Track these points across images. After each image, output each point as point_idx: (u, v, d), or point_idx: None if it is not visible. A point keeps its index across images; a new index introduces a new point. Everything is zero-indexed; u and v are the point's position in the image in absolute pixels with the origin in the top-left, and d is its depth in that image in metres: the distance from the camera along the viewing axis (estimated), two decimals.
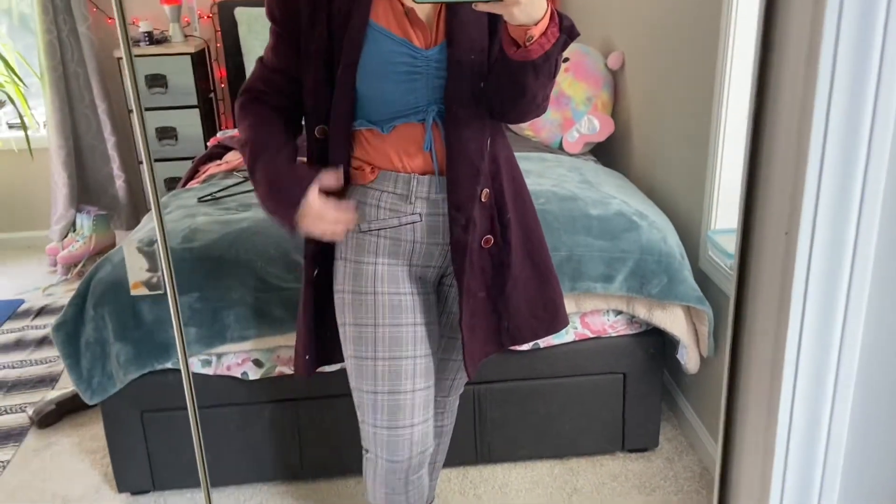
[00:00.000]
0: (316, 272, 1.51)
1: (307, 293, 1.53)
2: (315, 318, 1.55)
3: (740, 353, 0.64)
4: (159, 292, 1.31)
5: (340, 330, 1.49)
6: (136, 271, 1.30)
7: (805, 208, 0.54)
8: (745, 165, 0.60)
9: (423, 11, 1.34)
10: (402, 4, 1.33)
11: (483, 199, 1.41)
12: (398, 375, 1.45)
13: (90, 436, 2.47)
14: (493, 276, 1.48)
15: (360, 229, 1.44)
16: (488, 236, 1.45)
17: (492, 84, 1.33)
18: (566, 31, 1.21)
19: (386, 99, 1.36)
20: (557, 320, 1.58)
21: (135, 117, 3.63)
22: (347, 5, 1.32)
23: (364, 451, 1.54)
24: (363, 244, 1.46)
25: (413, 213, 1.42)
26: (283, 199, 1.35)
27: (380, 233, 1.44)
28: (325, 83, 1.36)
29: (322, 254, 1.50)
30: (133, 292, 1.35)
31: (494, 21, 1.34)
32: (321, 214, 1.34)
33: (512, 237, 1.47)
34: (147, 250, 1.28)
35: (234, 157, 2.87)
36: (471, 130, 1.37)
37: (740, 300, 0.63)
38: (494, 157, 1.43)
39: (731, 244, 1.94)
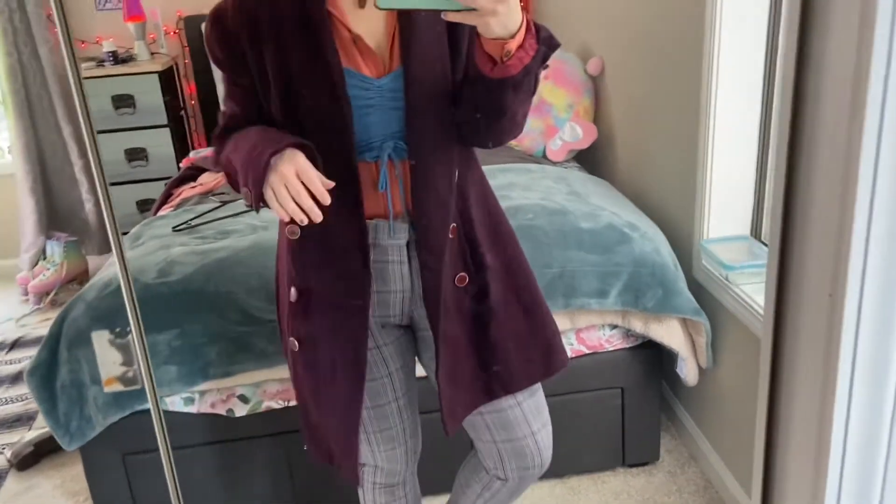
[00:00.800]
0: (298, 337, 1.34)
1: (303, 371, 1.37)
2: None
3: (777, 425, 0.59)
4: (136, 387, 1.22)
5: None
6: (110, 365, 1.19)
7: (852, 269, 0.49)
8: (778, 218, 0.54)
9: (373, 38, 1.21)
10: (350, 32, 1.20)
11: (451, 235, 1.29)
12: (385, 418, 1.43)
13: (71, 476, 2.38)
14: (473, 317, 1.34)
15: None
16: (462, 274, 1.32)
17: (464, 107, 1.20)
18: (545, 42, 1.09)
19: None
20: (554, 360, 1.42)
21: (93, 141, 3.53)
22: (297, 38, 1.17)
23: (360, 467, 1.50)
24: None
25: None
26: (270, 144, 1.13)
27: None
28: (280, 116, 1.22)
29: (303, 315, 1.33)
30: (106, 389, 1.24)
31: (456, 39, 1.22)
32: (305, 170, 1.10)
33: (489, 273, 1.34)
34: (120, 342, 1.19)
35: (208, 179, 2.78)
36: (438, 163, 1.24)
37: (776, 366, 0.58)
38: (462, 188, 1.29)
39: (725, 253, 1.90)
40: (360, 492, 1.55)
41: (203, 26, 3.87)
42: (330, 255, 1.28)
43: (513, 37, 1.04)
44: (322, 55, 1.17)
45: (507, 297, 1.36)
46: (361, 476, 1.52)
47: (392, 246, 1.29)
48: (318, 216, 1.12)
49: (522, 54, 1.07)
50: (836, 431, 0.58)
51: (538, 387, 1.44)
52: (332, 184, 1.13)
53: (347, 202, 1.23)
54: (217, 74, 3.68)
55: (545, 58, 1.10)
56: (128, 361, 1.18)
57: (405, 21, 1.19)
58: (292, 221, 1.22)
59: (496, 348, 1.36)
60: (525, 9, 1.07)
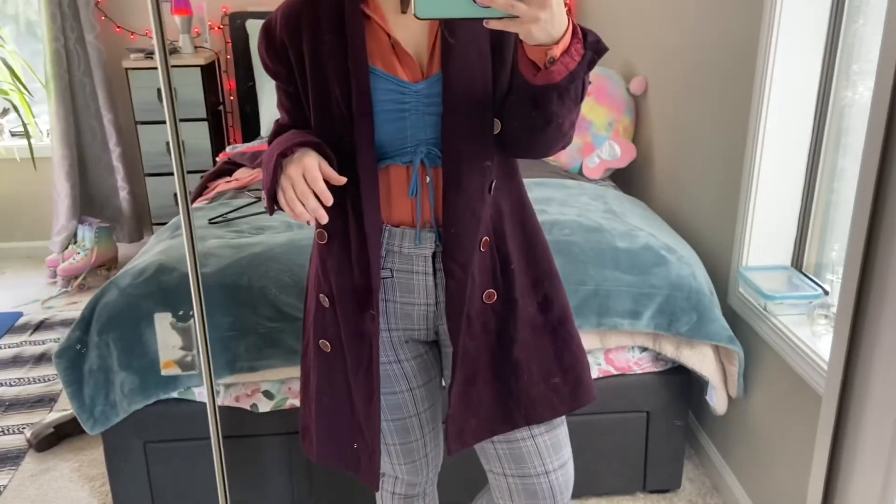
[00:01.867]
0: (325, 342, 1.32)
1: (328, 368, 1.34)
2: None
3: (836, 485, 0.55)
4: (193, 372, 1.21)
5: None
6: (169, 349, 1.19)
7: None
8: (857, 263, 0.52)
9: (412, 43, 1.20)
10: (389, 36, 1.19)
11: (482, 249, 1.24)
12: (405, 431, 1.40)
13: (89, 461, 2.38)
14: (497, 337, 1.28)
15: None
16: (490, 290, 1.26)
17: (509, 115, 1.17)
18: (591, 46, 1.04)
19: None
20: (581, 393, 1.33)
21: (140, 129, 3.57)
22: (335, 45, 1.17)
23: (380, 475, 1.48)
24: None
25: (383, 269, 1.28)
26: (281, 146, 1.13)
27: None
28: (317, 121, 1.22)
29: (332, 317, 1.31)
30: (164, 372, 1.24)
31: (499, 46, 1.19)
32: (310, 171, 1.10)
33: (518, 292, 1.28)
34: (181, 326, 1.18)
35: (243, 174, 2.80)
36: (471, 173, 1.20)
37: (839, 426, 0.54)
38: (496, 200, 1.25)
39: (764, 282, 1.87)
40: (378, 499, 1.54)
41: (247, 24, 3.87)
42: (349, 260, 1.26)
43: (557, 42, 1.01)
44: (352, 59, 1.17)
45: (536, 319, 1.31)
46: (381, 484, 1.50)
47: (417, 255, 1.27)
48: (322, 217, 1.12)
49: (568, 60, 1.03)
50: None
51: (560, 421, 1.36)
52: (343, 179, 1.13)
53: (369, 208, 1.22)
54: (259, 71, 3.71)
55: (592, 63, 1.06)
56: (187, 346, 1.17)
57: (447, 27, 1.18)
58: (322, 225, 1.24)
59: (518, 372, 1.29)
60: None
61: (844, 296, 0.57)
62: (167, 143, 3.58)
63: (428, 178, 1.22)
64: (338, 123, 1.20)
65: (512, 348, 1.29)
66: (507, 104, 1.18)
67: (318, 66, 1.19)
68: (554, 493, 1.35)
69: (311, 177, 1.10)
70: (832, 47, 1.78)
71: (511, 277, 1.28)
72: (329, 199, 1.12)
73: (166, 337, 1.16)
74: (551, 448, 1.35)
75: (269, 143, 1.31)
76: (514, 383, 1.30)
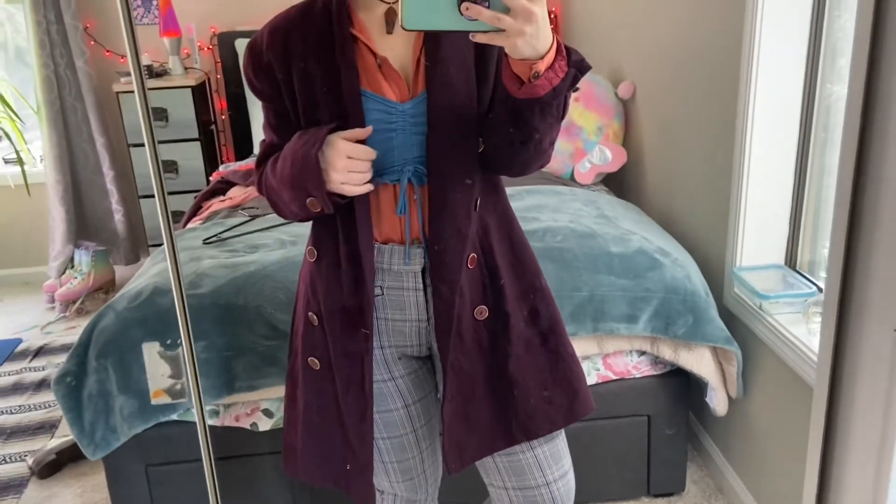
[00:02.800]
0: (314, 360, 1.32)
1: (316, 388, 1.33)
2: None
3: (830, 474, 0.56)
4: (182, 400, 1.22)
5: None
6: (158, 378, 1.19)
7: None
8: (840, 255, 0.52)
9: (398, 62, 1.20)
10: (375, 56, 1.19)
11: (470, 265, 1.25)
12: (402, 449, 1.39)
13: (92, 486, 2.38)
14: (491, 353, 1.28)
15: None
16: (481, 306, 1.27)
17: (490, 130, 1.18)
18: (575, 64, 1.05)
19: None
20: (578, 404, 1.33)
21: (132, 152, 3.57)
22: (325, 67, 1.18)
23: (378, 493, 1.48)
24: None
25: (374, 286, 1.28)
26: (307, 154, 1.15)
27: None
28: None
29: (320, 334, 1.31)
30: (154, 401, 1.24)
31: (484, 66, 1.20)
32: (348, 151, 1.14)
33: (510, 306, 1.28)
34: (170, 355, 1.19)
35: (237, 193, 2.80)
36: (457, 190, 1.20)
37: (830, 414, 0.54)
38: (482, 217, 1.26)
39: (758, 282, 1.87)
40: None
41: (236, 43, 3.88)
42: (339, 279, 1.26)
43: (542, 58, 1.02)
44: (341, 80, 1.17)
45: (529, 333, 1.31)
46: (379, 502, 1.49)
47: (407, 272, 1.27)
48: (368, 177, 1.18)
49: (552, 75, 1.04)
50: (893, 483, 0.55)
51: (558, 432, 1.36)
52: (368, 130, 1.17)
53: (363, 228, 1.23)
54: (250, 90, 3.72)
55: (574, 80, 1.07)
56: (176, 374, 1.17)
57: (431, 46, 1.18)
58: (313, 244, 1.28)
59: (515, 387, 1.29)
60: (555, 31, 1.04)
61: (829, 290, 0.58)
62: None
63: (416, 196, 1.23)
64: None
65: (506, 363, 1.29)
66: (488, 120, 1.18)
67: (307, 88, 1.20)
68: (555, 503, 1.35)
69: (357, 154, 1.15)
70: (816, 43, 1.79)
71: (501, 292, 1.28)
72: (373, 154, 1.17)
73: (155, 366, 1.16)
74: (551, 459, 1.35)
75: (257, 165, 1.32)
76: (510, 398, 1.30)
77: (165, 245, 1.10)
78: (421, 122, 1.19)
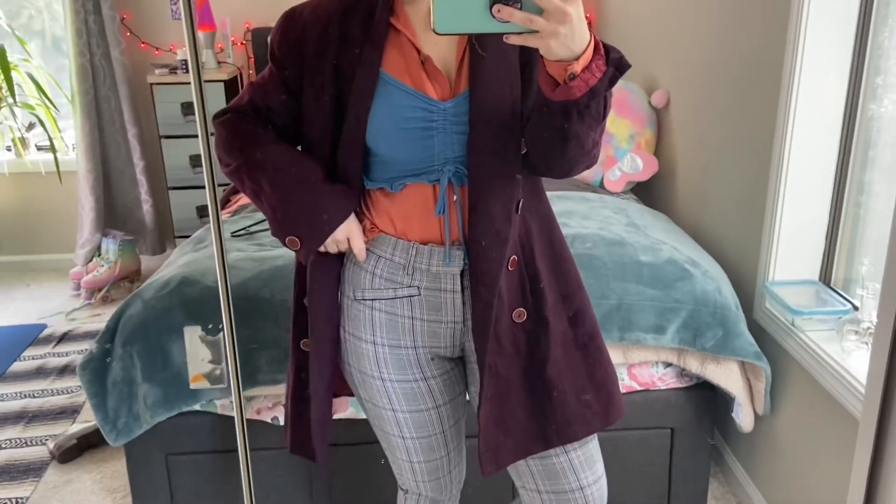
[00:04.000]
0: (307, 341, 1.35)
1: (305, 366, 1.37)
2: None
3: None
4: (221, 385, 1.22)
5: (357, 398, 1.41)
6: (198, 362, 1.19)
7: None
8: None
9: (441, 60, 1.19)
10: (419, 52, 1.18)
11: (510, 268, 1.24)
12: (430, 449, 1.39)
13: (111, 473, 2.39)
14: (528, 356, 1.27)
15: (355, 297, 1.30)
16: (520, 309, 1.25)
17: (531, 133, 1.14)
18: (613, 63, 1.01)
19: (397, 157, 1.20)
20: (612, 409, 1.32)
21: (164, 143, 3.61)
22: (357, 55, 1.17)
23: (401, 492, 1.49)
24: (358, 316, 1.30)
25: (410, 286, 1.27)
26: (322, 213, 1.21)
27: (374, 304, 1.29)
28: (332, 138, 1.22)
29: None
30: (193, 385, 1.25)
31: (529, 64, 1.18)
32: (356, 238, 1.25)
33: (549, 310, 1.27)
34: (210, 340, 1.19)
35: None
36: (497, 191, 1.18)
37: (878, 451, 0.51)
38: (524, 219, 1.25)
39: (791, 297, 1.84)
40: None
41: (269, 39, 3.95)
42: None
43: (578, 58, 0.98)
44: (364, 59, 1.17)
45: (566, 337, 1.30)
46: (402, 501, 1.50)
47: (446, 274, 1.25)
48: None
49: (588, 76, 0.99)
50: None
51: (592, 437, 1.35)
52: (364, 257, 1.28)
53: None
54: None
55: (613, 80, 1.02)
56: (216, 359, 1.18)
57: (476, 45, 1.17)
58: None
59: (553, 391, 1.28)
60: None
61: (883, 315, 0.55)
62: (190, 157, 3.62)
63: (455, 197, 1.21)
64: (330, 126, 1.22)
65: (544, 367, 1.27)
66: (529, 121, 1.16)
67: (335, 77, 1.19)
68: None
69: (356, 244, 1.25)
70: (860, 59, 1.76)
71: (541, 295, 1.26)
72: (363, 256, 1.27)
73: (196, 350, 1.16)
74: (585, 463, 1.34)
75: (237, 118, 1.29)
76: (546, 402, 1.28)
77: (213, 233, 1.10)
78: (462, 122, 1.18)
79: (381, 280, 1.27)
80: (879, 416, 0.60)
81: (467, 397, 1.44)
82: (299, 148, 1.30)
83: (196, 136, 3.59)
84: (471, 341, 1.30)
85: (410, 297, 1.28)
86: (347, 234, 1.24)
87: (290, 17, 1.23)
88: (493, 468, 1.28)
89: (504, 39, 0.97)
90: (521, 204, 1.23)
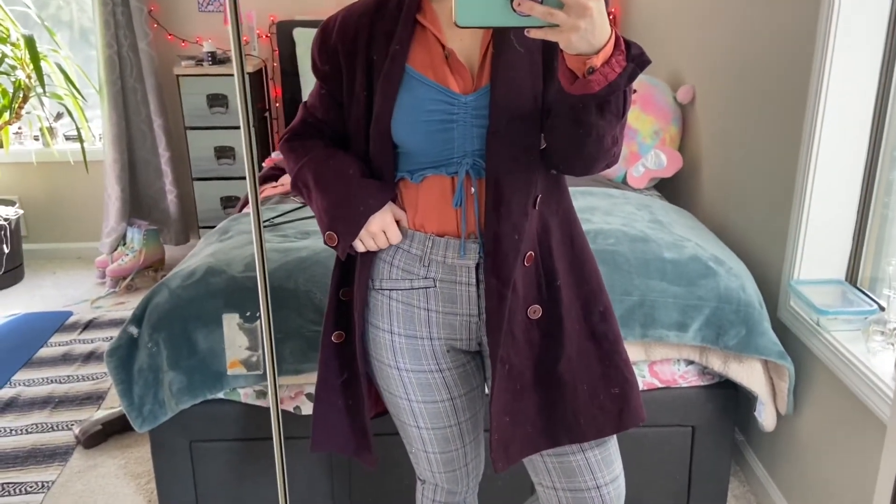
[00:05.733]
0: (340, 333, 1.38)
1: (332, 359, 1.39)
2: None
3: None
4: (257, 372, 1.24)
5: (377, 388, 1.43)
6: (235, 349, 1.22)
7: None
8: None
9: (465, 53, 1.20)
10: (443, 47, 1.20)
11: (526, 263, 1.24)
12: (446, 440, 1.40)
13: (135, 458, 2.43)
14: (542, 352, 1.27)
15: (373, 286, 1.32)
16: (535, 306, 1.26)
17: (551, 128, 1.15)
18: (634, 59, 1.01)
19: (418, 148, 1.22)
20: (628, 413, 1.29)
21: (189, 134, 3.64)
22: (385, 51, 1.20)
23: (419, 482, 1.50)
24: (377, 305, 1.33)
25: (426, 278, 1.28)
26: (362, 200, 1.23)
27: (391, 294, 1.31)
28: (365, 132, 1.25)
29: (347, 312, 1.37)
30: (230, 371, 1.28)
31: (551, 59, 1.18)
32: (391, 229, 1.26)
33: (565, 308, 1.27)
34: (248, 327, 1.21)
35: (288, 180, 2.83)
36: (515, 186, 1.19)
37: None
38: (542, 215, 1.25)
39: (816, 297, 1.83)
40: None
41: (294, 33, 3.96)
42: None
43: (598, 52, 0.98)
44: (390, 56, 1.20)
45: (582, 337, 1.29)
46: (419, 489, 1.51)
47: (461, 266, 1.26)
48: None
49: (608, 70, 0.99)
50: None
51: (609, 437, 1.34)
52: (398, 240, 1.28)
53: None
54: (305, 79, 3.75)
55: (633, 76, 1.02)
56: (253, 346, 1.20)
57: (499, 39, 1.18)
58: None
59: (564, 389, 1.28)
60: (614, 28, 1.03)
61: None
62: (215, 149, 3.65)
63: (473, 190, 1.22)
64: (362, 122, 1.25)
65: (557, 365, 1.27)
66: (548, 117, 1.17)
67: (368, 75, 1.22)
68: None
69: (392, 235, 1.26)
70: (891, 55, 1.74)
71: (557, 294, 1.26)
72: (397, 240, 1.28)
73: (233, 337, 1.18)
74: (602, 463, 1.33)
75: (296, 136, 1.34)
76: (558, 399, 1.28)
77: (252, 216, 1.11)
78: (483, 115, 1.19)
79: (398, 270, 1.29)
80: None
81: (486, 392, 1.44)
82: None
83: (221, 128, 3.64)
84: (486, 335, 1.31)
85: (426, 288, 1.29)
86: (382, 226, 1.25)
87: (325, 28, 1.28)
88: (504, 463, 1.28)
89: (525, 33, 0.98)
90: (538, 200, 1.23)
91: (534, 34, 0.97)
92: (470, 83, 1.20)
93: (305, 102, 1.36)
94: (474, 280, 1.27)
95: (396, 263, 1.29)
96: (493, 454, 1.27)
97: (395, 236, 1.26)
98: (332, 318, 1.38)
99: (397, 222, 1.28)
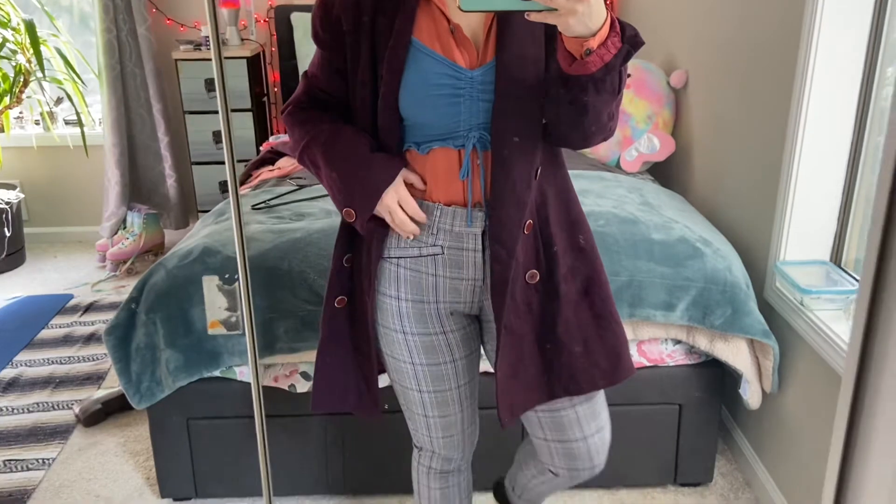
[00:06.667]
0: (342, 298, 1.43)
1: (335, 322, 1.44)
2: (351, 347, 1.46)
3: (851, 469, 0.56)
4: (237, 332, 1.28)
5: (381, 354, 1.47)
6: (215, 310, 1.27)
7: None
8: (876, 242, 0.52)
9: (470, 29, 1.24)
10: (449, 22, 1.24)
11: (526, 231, 1.30)
12: (445, 404, 1.46)
13: (134, 437, 2.47)
14: (540, 315, 1.35)
15: (381, 255, 1.37)
16: (533, 271, 1.33)
17: (550, 104, 1.21)
18: (629, 40, 1.08)
19: (425, 121, 1.27)
20: (620, 369, 1.39)
21: (188, 119, 3.66)
22: (390, 24, 1.24)
23: (416, 450, 1.55)
24: (385, 273, 1.38)
25: (434, 245, 1.34)
26: (375, 174, 1.27)
27: (399, 262, 1.36)
28: (371, 105, 1.28)
29: (350, 278, 1.42)
30: (210, 331, 1.33)
31: (552, 37, 1.23)
32: (406, 201, 1.28)
33: (560, 273, 1.34)
34: (227, 289, 1.25)
35: (286, 163, 2.86)
36: (518, 158, 1.25)
37: (855, 406, 0.55)
38: (541, 186, 1.31)
39: (801, 277, 1.86)
40: (413, 474, 1.58)
41: (292, 17, 3.96)
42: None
43: (594, 35, 1.05)
44: (396, 28, 1.23)
45: (578, 299, 1.36)
46: (415, 457, 1.56)
47: (468, 234, 1.32)
48: (416, 234, 1.30)
49: (604, 52, 1.07)
50: None
51: (598, 392, 1.43)
52: (424, 218, 1.30)
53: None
54: (302, 63, 3.77)
55: (627, 56, 1.09)
56: (232, 307, 1.24)
57: (503, 15, 1.22)
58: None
59: (561, 349, 1.35)
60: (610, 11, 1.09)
61: (864, 281, 0.58)
62: (213, 133, 3.68)
63: (479, 161, 1.27)
64: (368, 95, 1.28)
65: (555, 326, 1.35)
66: (548, 93, 1.22)
67: (371, 43, 1.25)
68: (591, 455, 1.44)
69: (408, 207, 1.29)
70: (876, 41, 1.76)
71: (554, 259, 1.33)
72: (424, 220, 1.30)
73: (213, 298, 1.23)
74: (590, 416, 1.42)
75: (298, 108, 1.37)
76: (556, 359, 1.36)
77: (231, 200, 1.14)
78: (488, 90, 1.24)
79: (406, 239, 1.34)
80: (857, 375, 0.63)
81: (482, 353, 1.52)
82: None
83: (218, 113, 3.65)
84: (488, 300, 1.37)
85: (434, 255, 1.34)
86: (397, 198, 1.28)
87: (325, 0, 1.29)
88: (509, 419, 1.35)
89: (525, 16, 1.04)
90: (539, 171, 1.29)
91: (534, 17, 1.04)
92: (475, 58, 1.24)
93: (307, 72, 1.39)
94: (480, 247, 1.33)
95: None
96: (500, 411, 1.35)
97: (413, 208, 1.29)
98: (335, 284, 1.43)
99: (413, 192, 1.32)
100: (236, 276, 1.10)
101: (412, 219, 1.30)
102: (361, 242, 1.38)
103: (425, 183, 1.31)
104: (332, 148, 1.30)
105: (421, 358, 1.40)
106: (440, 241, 1.33)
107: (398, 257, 1.36)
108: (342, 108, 1.36)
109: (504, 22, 1.22)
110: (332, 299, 1.43)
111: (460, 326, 1.43)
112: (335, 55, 1.30)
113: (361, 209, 1.29)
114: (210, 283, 1.23)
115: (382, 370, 1.51)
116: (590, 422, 1.42)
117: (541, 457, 1.49)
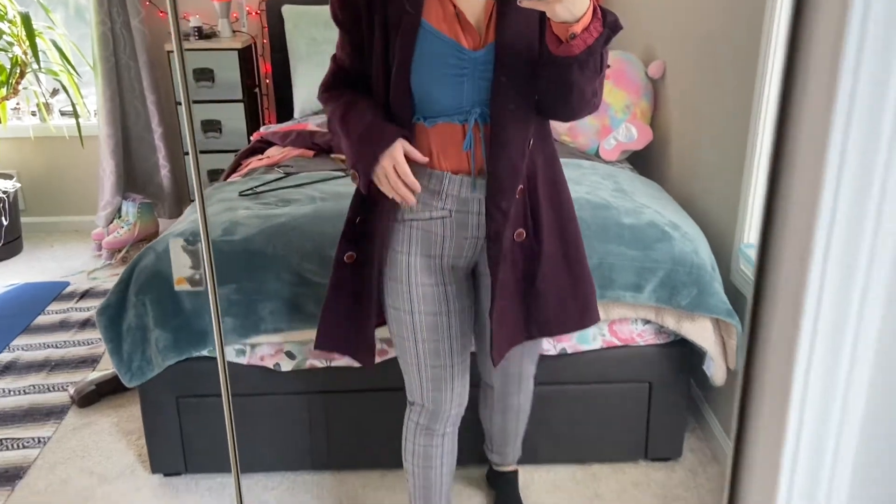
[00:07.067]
0: (351, 254, 1.57)
1: (342, 275, 1.59)
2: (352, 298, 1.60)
3: (755, 362, 0.64)
4: (200, 288, 1.38)
5: (384, 308, 1.62)
6: (180, 268, 1.37)
7: (820, 226, 0.54)
8: (767, 182, 0.58)
9: (473, 14, 1.38)
10: (454, 6, 1.38)
11: (517, 196, 1.46)
12: (437, 354, 1.59)
13: (127, 416, 2.56)
14: (524, 268, 1.53)
15: (397, 218, 1.53)
16: (520, 230, 1.50)
17: (540, 82, 1.37)
18: (609, 25, 1.24)
19: (432, 98, 1.41)
20: (588, 316, 1.62)
21: (182, 110, 3.73)
22: (401, 7, 1.37)
23: (408, 406, 1.68)
24: (397, 234, 1.54)
25: (443, 209, 1.50)
26: (375, 139, 1.40)
27: (412, 224, 1.53)
28: (385, 81, 1.43)
29: (360, 236, 1.56)
30: (177, 287, 1.43)
31: (544, 22, 1.36)
32: (401, 165, 1.39)
33: (544, 233, 1.52)
34: (191, 249, 1.35)
35: (275, 153, 2.94)
36: (514, 131, 1.41)
37: (756, 312, 0.62)
38: (532, 157, 1.47)
39: None
40: (403, 431, 1.71)
41: (283, 9, 4.00)
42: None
43: (578, 20, 1.20)
44: (406, 13, 1.37)
45: (556, 255, 1.55)
46: (407, 414, 1.69)
47: (473, 199, 1.48)
48: (411, 202, 1.42)
49: (587, 36, 1.22)
50: (790, 429, 0.64)
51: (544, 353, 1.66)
52: (425, 159, 1.43)
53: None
54: (294, 55, 3.84)
55: (608, 39, 1.25)
56: (196, 265, 1.36)
57: (502, 2, 1.36)
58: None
59: (539, 298, 1.55)
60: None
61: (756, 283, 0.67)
62: (203, 122, 3.75)
63: (481, 134, 1.42)
64: (381, 72, 1.43)
65: (535, 280, 1.53)
66: (539, 72, 1.37)
67: (384, 24, 1.39)
68: (521, 374, 1.80)
69: (401, 171, 1.40)
70: (839, 30, 1.83)
71: (538, 221, 1.50)
72: (417, 188, 1.42)
73: (178, 258, 1.33)
74: (534, 351, 1.80)
75: (329, 88, 1.53)
76: (534, 306, 1.55)
77: (195, 189, 1.23)
78: (489, 70, 1.38)
79: (419, 204, 1.50)
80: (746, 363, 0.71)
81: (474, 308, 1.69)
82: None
83: (206, 102, 3.73)
84: (484, 255, 1.53)
85: (443, 217, 1.51)
86: (392, 162, 1.39)
87: None
88: (498, 356, 1.53)
89: (518, 3, 1.19)
90: (531, 143, 1.44)
91: (524, 4, 1.19)
92: (478, 40, 1.39)
93: (334, 55, 1.54)
94: (483, 209, 1.48)
95: (418, 198, 1.48)
96: (493, 351, 1.52)
97: (405, 171, 1.40)
98: (346, 241, 1.58)
99: (413, 167, 1.44)
100: (198, 238, 1.21)
101: (407, 186, 1.42)
102: (375, 206, 1.52)
103: (430, 155, 1.45)
104: (345, 117, 1.46)
105: (421, 307, 1.54)
106: (448, 206, 1.49)
107: (411, 219, 1.52)
108: (364, 84, 1.50)
109: (503, 8, 1.36)
110: (342, 254, 1.57)
111: (458, 280, 1.58)
112: (353, 35, 1.44)
113: (363, 171, 1.43)
114: (176, 245, 1.33)
115: (381, 323, 1.64)
116: (533, 355, 1.77)
117: (482, 374, 1.80)
